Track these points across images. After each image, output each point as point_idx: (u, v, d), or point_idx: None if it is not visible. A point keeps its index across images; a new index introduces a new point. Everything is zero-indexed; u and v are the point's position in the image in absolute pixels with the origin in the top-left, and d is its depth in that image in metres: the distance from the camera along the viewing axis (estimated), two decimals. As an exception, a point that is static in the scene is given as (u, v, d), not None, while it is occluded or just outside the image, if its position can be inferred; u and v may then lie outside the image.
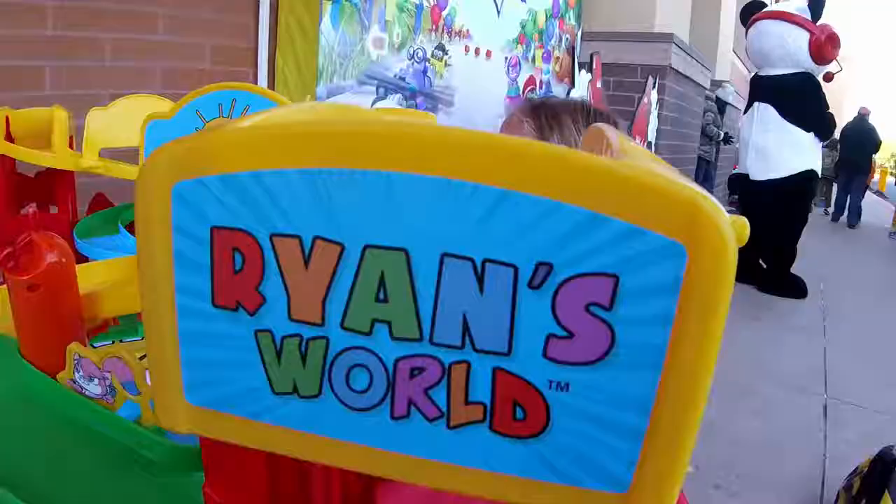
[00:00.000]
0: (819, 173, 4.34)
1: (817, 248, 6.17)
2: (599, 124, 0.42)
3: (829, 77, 4.20)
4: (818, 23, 4.17)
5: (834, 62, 4.21)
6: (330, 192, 0.28)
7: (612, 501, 0.27)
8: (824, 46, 4.17)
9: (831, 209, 10.12)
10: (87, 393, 0.68)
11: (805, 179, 4.34)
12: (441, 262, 0.26)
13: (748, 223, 0.30)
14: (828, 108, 4.28)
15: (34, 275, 0.70)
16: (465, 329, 0.27)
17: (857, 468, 2.00)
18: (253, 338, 0.31)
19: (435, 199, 0.26)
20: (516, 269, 0.25)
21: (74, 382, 0.69)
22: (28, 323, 0.73)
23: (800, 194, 4.36)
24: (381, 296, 0.28)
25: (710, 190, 7.50)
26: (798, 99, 4.34)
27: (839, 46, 4.21)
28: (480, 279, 0.26)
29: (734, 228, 0.27)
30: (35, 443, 0.65)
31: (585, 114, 0.93)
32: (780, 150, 4.38)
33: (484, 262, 0.25)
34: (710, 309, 0.24)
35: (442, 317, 0.27)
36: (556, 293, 0.25)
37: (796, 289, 4.36)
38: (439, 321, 0.27)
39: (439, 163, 0.25)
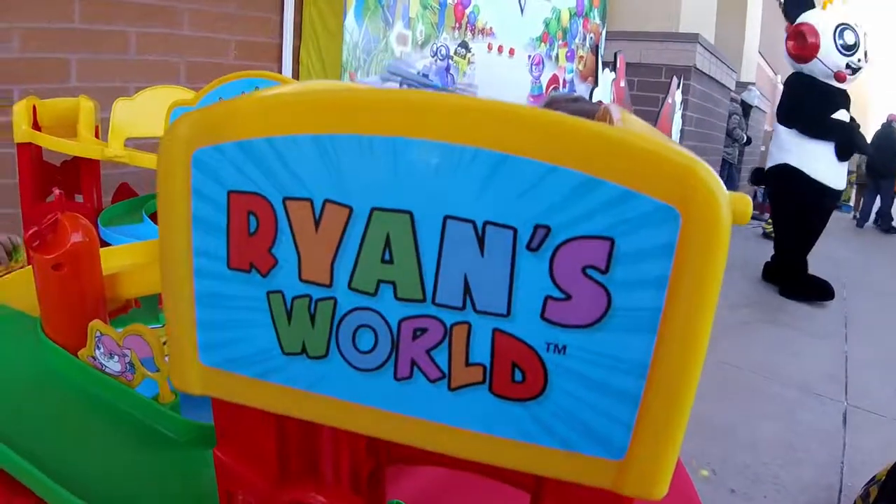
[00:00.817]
0: (806, 171, 4.25)
1: (842, 254, 6.07)
2: (607, 103, 0.43)
3: (838, 77, 4.16)
4: (795, 22, 4.26)
5: (815, 60, 4.18)
6: (340, 156, 0.29)
7: (609, 469, 0.27)
8: (787, 44, 4.29)
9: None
10: (107, 370, 0.70)
11: (778, 174, 4.41)
12: (444, 225, 0.27)
13: (750, 201, 0.31)
14: (818, 105, 4.22)
15: (59, 254, 0.72)
16: (467, 290, 0.27)
17: (874, 477, 1.97)
18: (265, 299, 0.32)
19: (438, 163, 0.26)
20: (515, 232, 0.26)
21: (95, 359, 0.71)
22: (51, 301, 0.75)
23: (774, 187, 4.47)
24: (387, 257, 0.28)
25: (734, 191, 7.42)
26: (783, 97, 4.49)
27: (807, 44, 4.19)
28: (481, 241, 0.26)
29: (735, 203, 0.27)
30: (56, 418, 0.67)
31: None
32: (770, 145, 4.61)
33: (485, 224, 0.26)
34: (705, 274, 0.24)
35: (444, 278, 0.28)
36: (553, 255, 0.25)
37: (813, 291, 4.31)
38: (441, 282, 0.28)
39: (442, 128, 0.26)
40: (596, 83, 3.69)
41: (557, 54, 4.38)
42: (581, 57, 4.60)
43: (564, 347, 0.26)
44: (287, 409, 0.33)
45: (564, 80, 4.46)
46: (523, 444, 0.28)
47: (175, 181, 0.32)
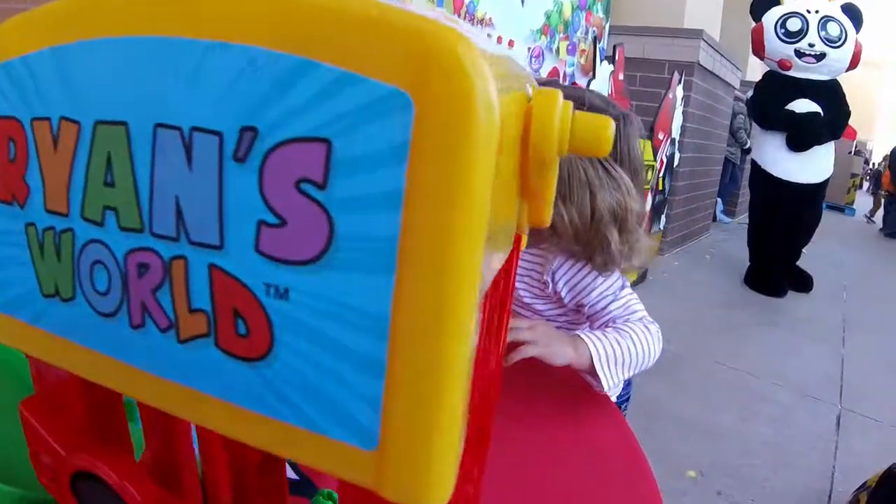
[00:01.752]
0: (759, 162, 4.24)
1: (848, 257, 5.97)
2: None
3: (781, 65, 4.11)
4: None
5: (765, 59, 4.23)
6: (72, 67, 0.24)
7: (365, 461, 0.21)
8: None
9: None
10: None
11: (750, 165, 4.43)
12: (154, 135, 0.21)
13: (609, 122, 0.25)
14: (768, 96, 4.18)
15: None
16: (179, 216, 0.22)
17: (864, 483, 1.91)
18: (24, 233, 0.28)
19: (147, 61, 0.21)
20: (221, 137, 0.20)
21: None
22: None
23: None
24: (109, 179, 0.23)
25: (736, 192, 7.31)
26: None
27: (754, 44, 4.27)
28: (189, 152, 0.21)
29: (583, 124, 0.21)
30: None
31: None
32: None
33: (191, 130, 0.20)
34: (450, 187, 0.17)
35: (158, 201, 0.22)
36: (262, 166, 0.19)
37: (769, 287, 4.25)
38: (156, 207, 0.22)
39: (149, 20, 0.21)
40: (594, 75, 3.63)
41: (558, 47, 4.30)
42: (583, 51, 4.52)
43: (287, 291, 0.20)
44: (52, 357, 0.29)
45: (565, 74, 4.39)
46: (263, 417, 0.22)
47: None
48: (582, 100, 0.85)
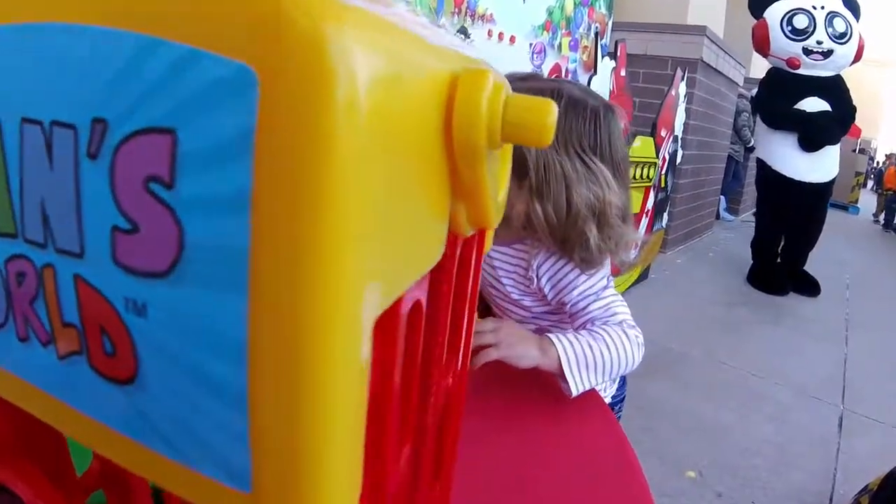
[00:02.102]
0: (768, 161, 4.18)
1: (851, 256, 5.93)
2: None
3: (790, 63, 4.05)
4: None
5: (770, 57, 4.18)
6: None
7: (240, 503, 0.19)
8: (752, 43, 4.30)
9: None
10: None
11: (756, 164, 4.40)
12: (21, 131, 0.19)
13: (548, 105, 0.22)
14: (775, 96, 4.12)
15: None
16: (45, 220, 0.20)
17: (866, 486, 1.88)
18: None
19: (13, 50, 0.19)
20: (75, 131, 0.18)
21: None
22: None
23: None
24: None
25: (740, 189, 7.25)
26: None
27: (757, 41, 4.22)
28: (49, 148, 0.19)
29: (521, 108, 0.18)
30: None
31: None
32: None
33: (51, 124, 0.18)
34: (306, 185, 0.14)
35: (27, 204, 0.20)
36: (113, 163, 0.17)
37: (766, 284, 4.23)
38: (26, 210, 0.20)
39: (12, 6, 0.19)
40: (595, 71, 3.59)
41: (560, 43, 4.27)
42: (585, 47, 4.48)
43: (144, 306, 0.18)
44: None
45: (567, 70, 4.36)
46: (140, 446, 0.20)
47: None
48: (560, 91, 0.82)
